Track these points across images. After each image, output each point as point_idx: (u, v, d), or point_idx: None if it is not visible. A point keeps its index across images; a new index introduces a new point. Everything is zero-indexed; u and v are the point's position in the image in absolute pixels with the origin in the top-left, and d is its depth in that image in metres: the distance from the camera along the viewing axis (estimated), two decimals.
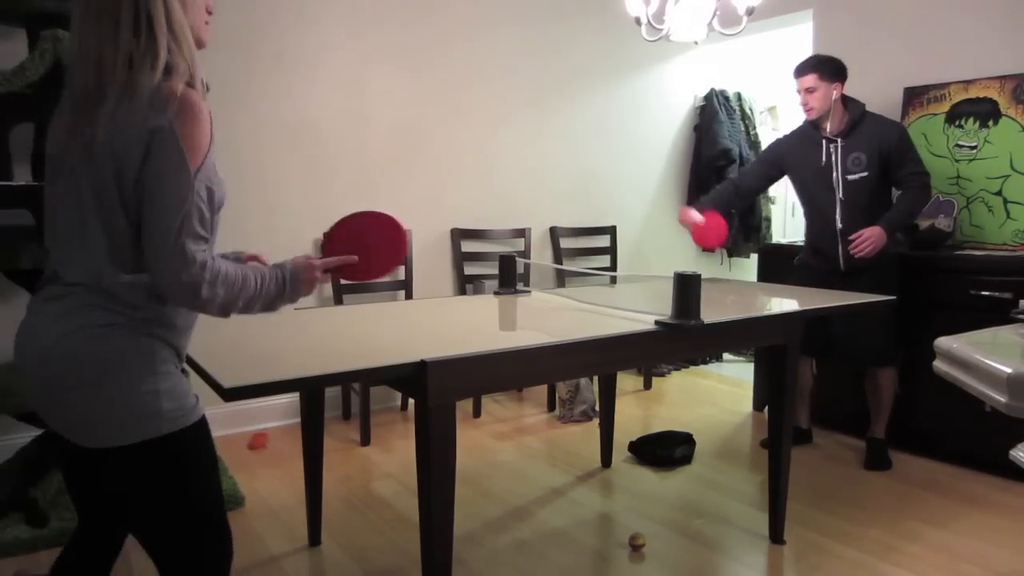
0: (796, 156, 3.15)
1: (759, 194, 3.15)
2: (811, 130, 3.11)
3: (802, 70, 3.01)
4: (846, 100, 3.03)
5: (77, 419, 1.17)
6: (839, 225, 3.03)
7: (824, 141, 3.04)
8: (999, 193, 3.16)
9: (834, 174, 3.02)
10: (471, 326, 2.11)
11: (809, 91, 2.98)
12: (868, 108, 3.04)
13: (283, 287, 1.30)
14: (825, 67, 2.97)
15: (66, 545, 1.44)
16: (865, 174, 2.96)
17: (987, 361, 1.51)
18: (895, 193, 3.06)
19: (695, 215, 3.00)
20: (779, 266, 3.65)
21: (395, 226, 1.46)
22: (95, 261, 1.16)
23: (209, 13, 1.29)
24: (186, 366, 1.39)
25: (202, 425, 1.25)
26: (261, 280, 1.25)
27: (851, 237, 2.91)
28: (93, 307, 1.16)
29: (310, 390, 2.30)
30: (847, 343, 3.11)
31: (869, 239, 2.86)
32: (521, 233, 4.24)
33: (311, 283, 1.34)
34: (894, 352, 3.05)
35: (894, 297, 2.55)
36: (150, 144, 1.12)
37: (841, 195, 3.01)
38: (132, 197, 1.14)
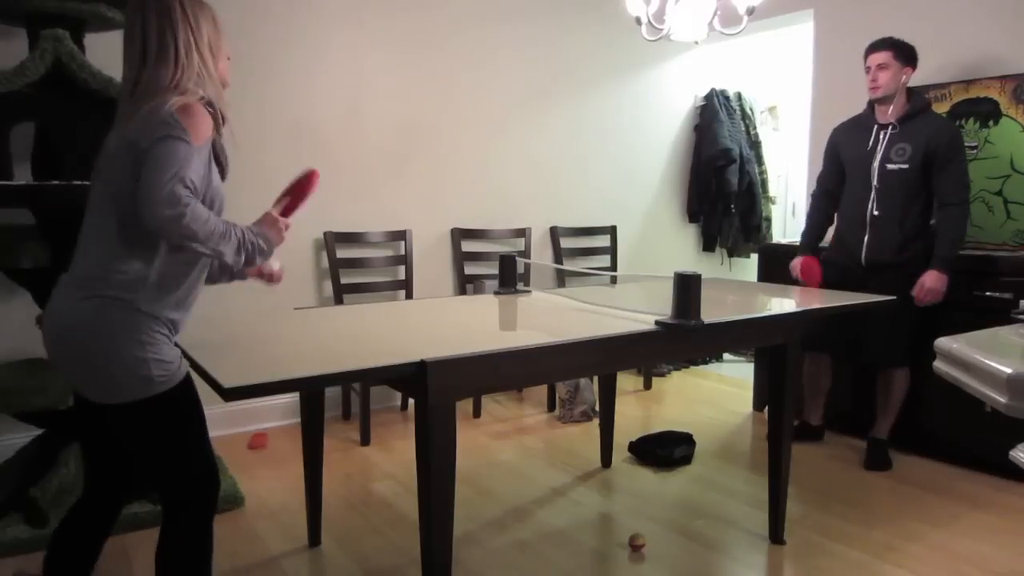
0: (847, 140, 3.11)
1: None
2: (867, 114, 3.07)
3: (878, 46, 2.93)
4: (910, 92, 2.98)
5: (83, 379, 1.47)
6: (868, 214, 2.98)
7: (876, 127, 2.99)
8: (999, 193, 3.16)
9: (875, 161, 2.97)
10: (471, 326, 2.11)
11: (881, 67, 2.90)
12: (931, 105, 2.97)
13: (255, 235, 1.54)
14: (901, 48, 2.90)
15: (67, 514, 1.65)
16: (906, 166, 2.90)
17: (987, 361, 1.51)
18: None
19: (811, 270, 3.11)
20: (779, 266, 3.65)
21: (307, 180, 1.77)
22: (102, 256, 1.45)
23: (228, 59, 1.75)
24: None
25: (184, 385, 1.50)
26: (234, 226, 1.49)
27: (913, 293, 2.86)
28: (95, 290, 1.42)
29: (310, 390, 2.30)
30: (864, 343, 3.07)
31: (930, 290, 2.83)
32: (521, 233, 4.24)
33: (274, 225, 1.60)
34: (907, 353, 2.99)
35: (894, 297, 2.54)
36: (151, 147, 1.38)
37: (876, 183, 2.96)
38: (129, 204, 1.41)
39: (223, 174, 1.64)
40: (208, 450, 1.58)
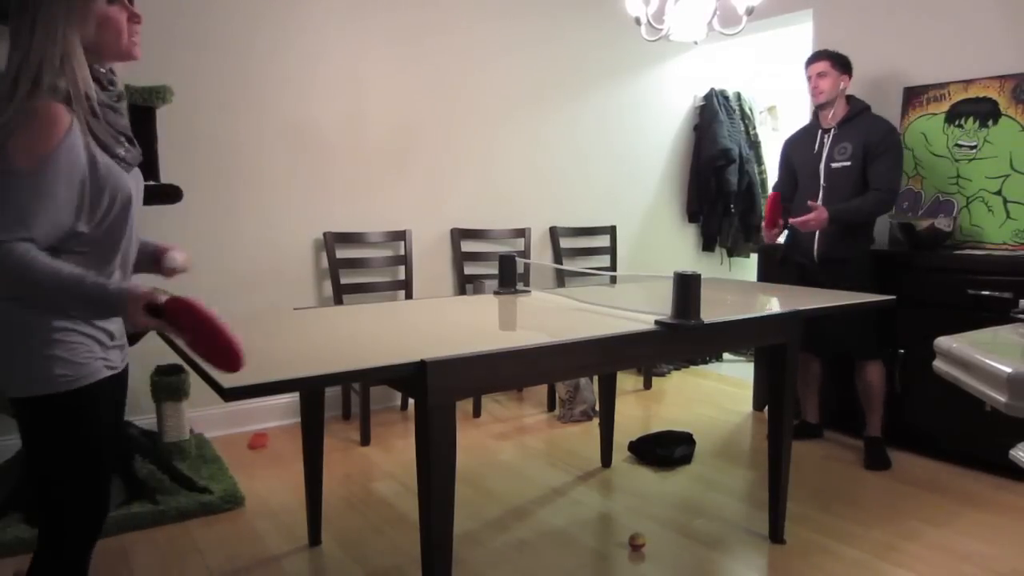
0: (796, 147, 3.34)
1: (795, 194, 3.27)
2: (812, 122, 3.29)
3: (816, 57, 3.16)
4: (849, 97, 3.18)
5: None
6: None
7: (820, 131, 3.20)
8: (999, 193, 3.16)
9: (821, 162, 3.17)
10: (471, 326, 2.11)
11: (821, 75, 3.11)
12: (871, 108, 3.14)
13: (100, 300, 1.29)
14: (837, 58, 3.11)
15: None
16: (848, 163, 3.08)
17: (987, 361, 1.51)
18: None
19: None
20: (779, 266, 3.66)
21: (227, 350, 1.27)
22: None
23: (135, 22, 1.41)
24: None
25: (89, 392, 1.37)
26: (61, 283, 1.27)
27: (800, 218, 3.00)
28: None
29: (310, 390, 2.31)
30: (834, 337, 3.17)
31: (811, 220, 2.98)
32: (521, 233, 4.24)
33: (134, 316, 1.29)
34: (876, 345, 3.10)
35: (893, 297, 2.56)
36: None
37: (824, 181, 3.15)
38: None
39: (125, 161, 1.40)
40: (98, 478, 1.43)
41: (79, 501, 1.40)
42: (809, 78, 3.17)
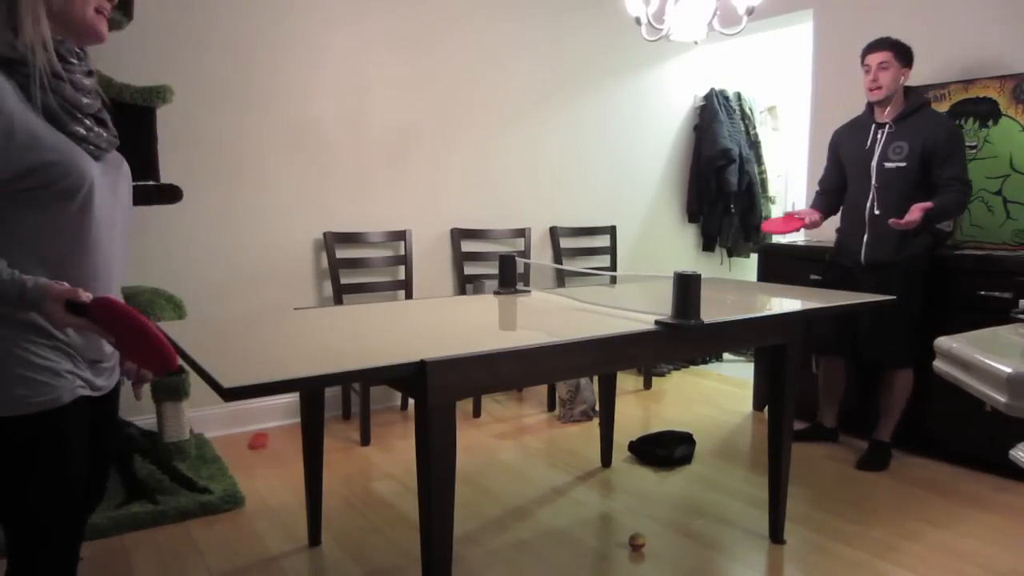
0: (846, 141, 3.14)
1: (845, 189, 3.17)
2: (866, 115, 3.09)
3: (878, 46, 2.92)
4: (908, 90, 2.99)
5: None
6: (868, 213, 2.99)
7: (874, 126, 3.01)
8: (999, 193, 3.16)
9: (873, 160, 2.98)
10: (471, 326, 2.11)
11: (882, 67, 2.89)
12: (930, 103, 2.98)
13: (15, 295, 1.18)
14: (900, 49, 2.90)
15: None
16: (903, 164, 2.90)
17: (987, 361, 1.51)
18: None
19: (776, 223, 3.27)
20: (779, 266, 3.66)
21: (156, 345, 1.22)
22: None
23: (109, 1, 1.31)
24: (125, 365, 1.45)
25: (51, 417, 1.24)
26: None
27: (905, 219, 2.79)
28: None
29: (310, 390, 2.31)
30: (867, 343, 3.06)
31: (912, 220, 2.76)
32: (521, 233, 4.24)
33: (54, 314, 1.19)
34: (908, 354, 2.97)
35: (893, 297, 2.53)
36: None
37: (875, 182, 2.97)
38: None
39: (86, 141, 1.27)
40: (62, 518, 1.29)
41: (42, 541, 1.27)
42: (867, 68, 2.93)
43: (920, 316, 2.94)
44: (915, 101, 2.95)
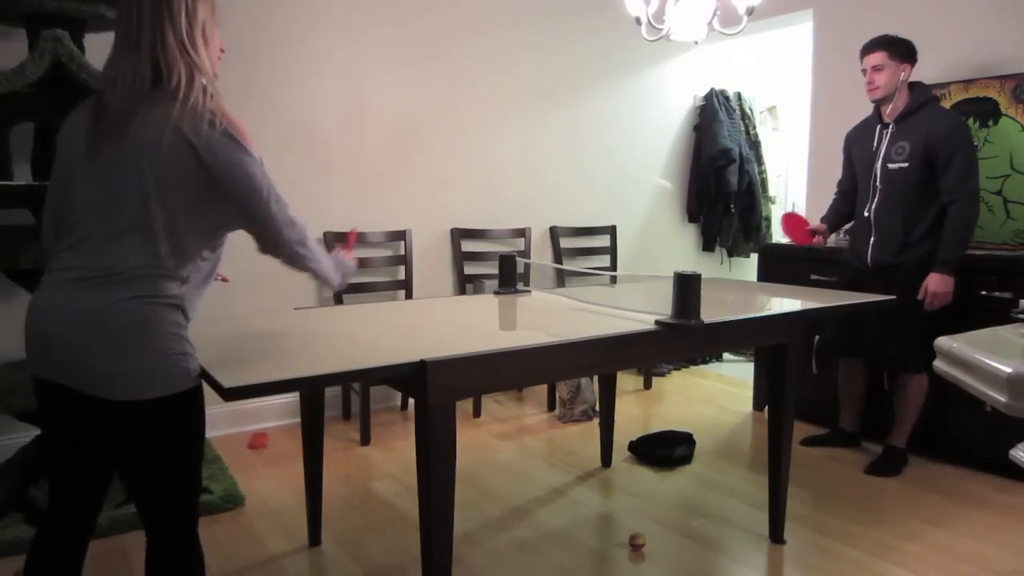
0: (857, 144, 3.11)
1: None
2: (873, 115, 3.05)
3: (871, 47, 2.89)
4: (913, 86, 2.92)
5: (107, 375, 1.32)
6: (872, 215, 2.97)
7: (879, 127, 2.97)
8: (999, 193, 3.16)
9: (878, 161, 2.94)
10: (471, 326, 2.11)
11: (876, 69, 2.86)
12: (937, 99, 2.93)
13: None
14: (896, 46, 2.84)
15: (29, 552, 1.57)
16: (905, 165, 2.85)
17: (987, 361, 1.51)
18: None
19: (792, 223, 3.26)
20: (779, 266, 3.66)
21: None
22: (144, 250, 1.35)
23: (222, 51, 1.64)
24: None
25: (200, 388, 1.43)
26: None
27: (920, 298, 2.82)
28: (140, 289, 1.33)
29: (310, 390, 2.30)
30: (872, 345, 3.01)
31: (934, 293, 2.78)
32: (521, 233, 4.24)
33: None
34: (920, 358, 2.80)
35: (892, 297, 2.52)
36: (237, 164, 1.55)
37: (879, 183, 2.94)
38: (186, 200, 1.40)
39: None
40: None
41: (199, 485, 1.51)
42: (864, 70, 2.91)
43: (931, 320, 2.83)
44: (918, 98, 2.88)
